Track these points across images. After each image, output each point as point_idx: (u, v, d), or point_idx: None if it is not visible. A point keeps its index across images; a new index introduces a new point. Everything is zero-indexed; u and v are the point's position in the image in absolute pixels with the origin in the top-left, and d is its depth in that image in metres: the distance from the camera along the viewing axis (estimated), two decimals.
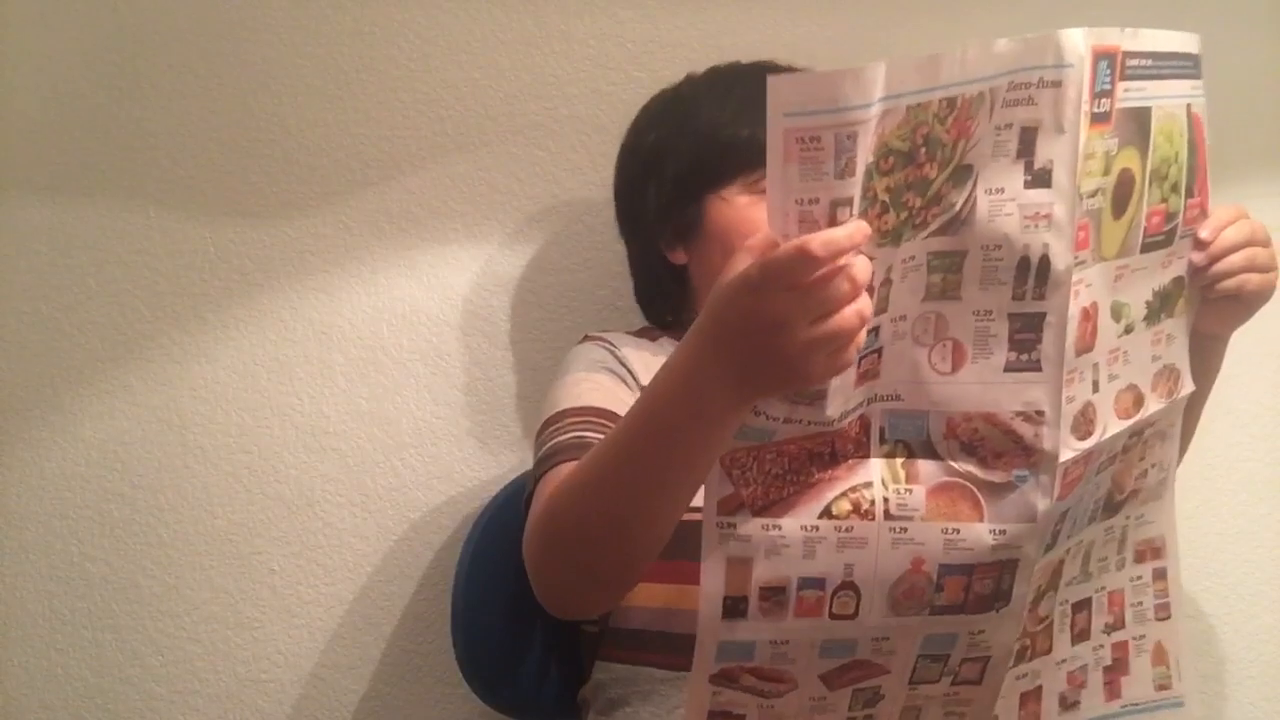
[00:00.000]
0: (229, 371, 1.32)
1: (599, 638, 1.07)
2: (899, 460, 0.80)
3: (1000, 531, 0.80)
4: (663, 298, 1.18)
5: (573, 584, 0.89)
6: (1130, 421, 0.88)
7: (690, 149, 1.10)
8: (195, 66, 1.31)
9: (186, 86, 1.31)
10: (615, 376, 1.07)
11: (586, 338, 1.14)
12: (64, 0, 1.29)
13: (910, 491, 0.79)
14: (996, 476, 0.80)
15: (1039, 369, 0.79)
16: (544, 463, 0.97)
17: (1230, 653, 1.45)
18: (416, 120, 1.33)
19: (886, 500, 0.79)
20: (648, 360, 1.10)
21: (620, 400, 1.03)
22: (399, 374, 1.33)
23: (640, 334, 1.17)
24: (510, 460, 1.33)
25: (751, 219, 1.07)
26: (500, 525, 1.17)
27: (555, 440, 0.98)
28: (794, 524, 0.78)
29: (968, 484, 0.80)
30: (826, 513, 0.78)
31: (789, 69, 1.15)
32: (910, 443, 0.80)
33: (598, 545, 0.84)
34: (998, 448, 0.80)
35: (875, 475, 0.80)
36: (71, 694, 1.31)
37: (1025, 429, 0.79)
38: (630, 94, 1.31)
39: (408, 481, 1.33)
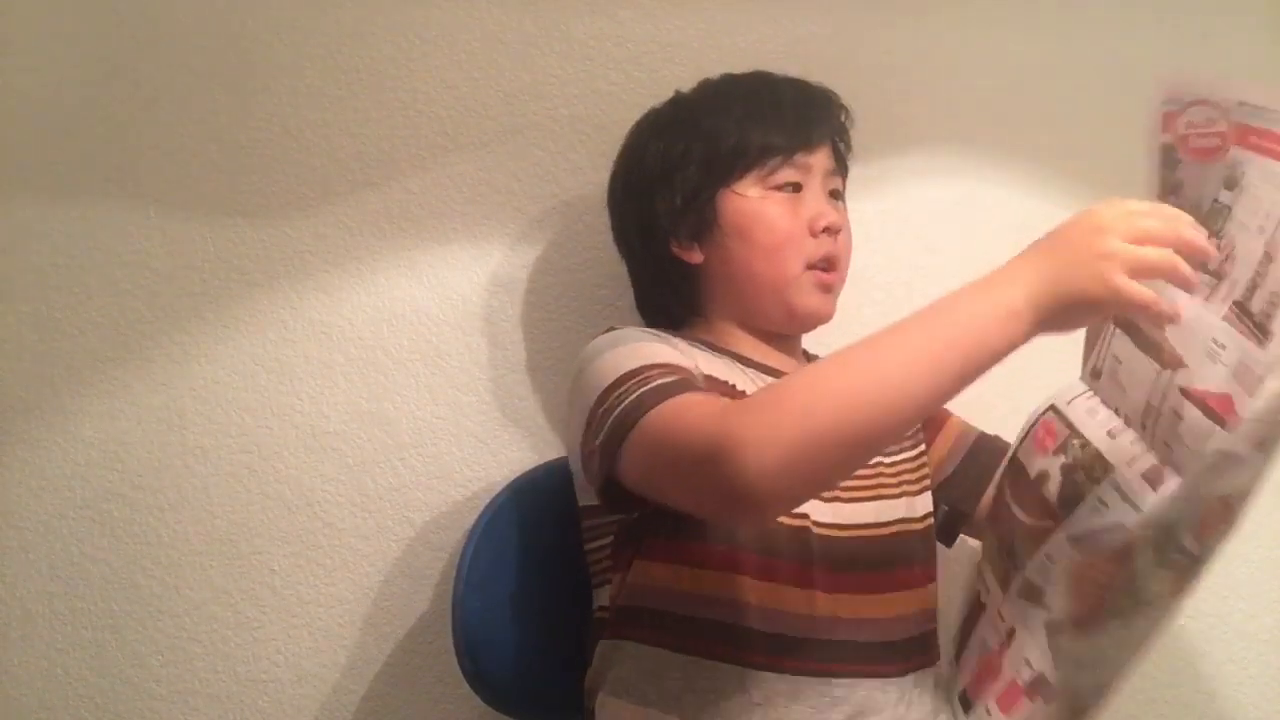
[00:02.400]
0: (229, 371, 1.32)
1: (614, 615, 1.06)
2: None
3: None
4: (675, 297, 1.19)
5: (809, 479, 0.84)
6: None
7: (701, 152, 1.13)
8: (195, 66, 1.31)
9: (186, 86, 1.31)
10: (668, 343, 1.04)
11: (610, 330, 1.13)
12: (64, 0, 1.30)
13: None
14: None
15: None
16: (654, 395, 0.92)
17: (1230, 653, 1.45)
18: (416, 120, 1.33)
19: None
20: None
21: (684, 359, 1.01)
22: (399, 374, 1.33)
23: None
24: (510, 460, 1.33)
25: (765, 210, 1.11)
26: (501, 525, 1.17)
27: (650, 385, 0.93)
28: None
29: None
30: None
31: (782, 76, 1.17)
32: None
33: (857, 444, 0.82)
34: None
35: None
36: (71, 694, 1.30)
37: None
38: (630, 94, 1.31)
39: (408, 481, 1.33)
